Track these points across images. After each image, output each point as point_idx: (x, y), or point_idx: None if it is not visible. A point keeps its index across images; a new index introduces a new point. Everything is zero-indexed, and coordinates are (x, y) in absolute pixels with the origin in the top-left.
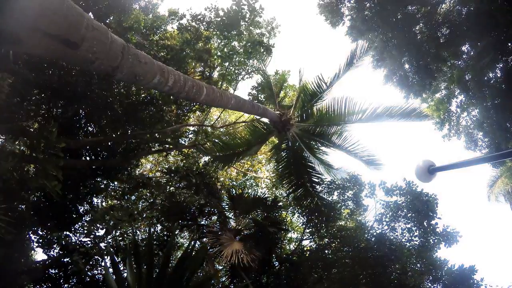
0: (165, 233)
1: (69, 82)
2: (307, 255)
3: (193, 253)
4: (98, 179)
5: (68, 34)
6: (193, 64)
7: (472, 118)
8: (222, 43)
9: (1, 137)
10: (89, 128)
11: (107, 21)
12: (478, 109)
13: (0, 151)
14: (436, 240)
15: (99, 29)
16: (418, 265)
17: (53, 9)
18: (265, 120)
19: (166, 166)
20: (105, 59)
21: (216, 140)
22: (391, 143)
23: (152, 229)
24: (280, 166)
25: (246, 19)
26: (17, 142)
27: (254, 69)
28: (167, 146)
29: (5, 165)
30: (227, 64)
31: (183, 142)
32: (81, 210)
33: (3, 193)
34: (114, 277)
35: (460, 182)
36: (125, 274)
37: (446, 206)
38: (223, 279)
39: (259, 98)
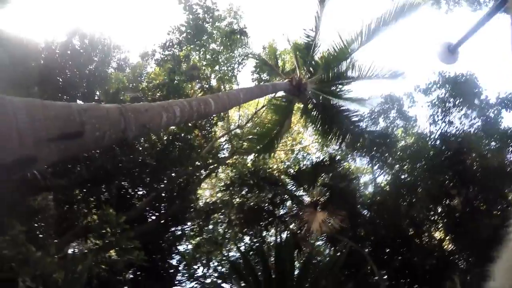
0: (255, 240)
1: (97, 167)
2: (387, 189)
3: (282, 244)
4: (172, 229)
5: (67, 128)
6: (189, 85)
7: None
8: (202, 53)
9: (73, 245)
10: (138, 192)
11: (96, 97)
12: None
13: (73, 256)
14: (495, 111)
15: (90, 107)
16: (492, 143)
17: (41, 118)
18: (281, 93)
19: (222, 184)
20: (111, 128)
21: (250, 136)
22: (404, 45)
23: (241, 244)
24: (318, 125)
25: (207, 20)
26: (88, 241)
27: (243, 57)
28: (211, 167)
29: (86, 263)
30: (217, 67)
31: (223, 155)
32: (174, 263)
33: (103, 286)
34: None
35: (485, 45)
36: None
37: (486, 76)
38: (327, 251)
39: (263, 78)
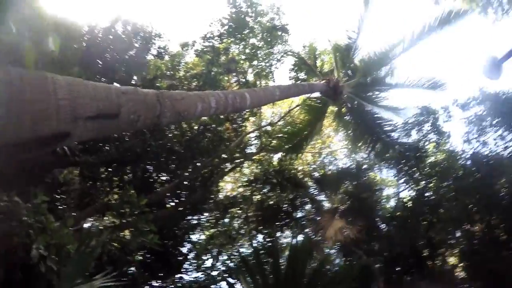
0: (268, 239)
1: (126, 148)
2: (409, 205)
3: (298, 247)
4: (189, 218)
5: (104, 109)
6: (226, 78)
7: None
8: (241, 47)
9: (90, 219)
10: (161, 177)
11: (132, 82)
12: None
13: (89, 230)
14: None
15: (128, 91)
16: None
17: (81, 96)
18: (316, 94)
19: (245, 179)
20: (147, 113)
21: (280, 135)
22: (446, 55)
23: (254, 241)
24: (349, 131)
25: (250, 14)
26: (105, 218)
27: (282, 54)
28: (237, 161)
29: (100, 239)
30: (255, 62)
31: (250, 151)
32: (184, 251)
33: (110, 263)
34: None
35: None
36: None
37: None
38: (337, 261)
39: (300, 77)
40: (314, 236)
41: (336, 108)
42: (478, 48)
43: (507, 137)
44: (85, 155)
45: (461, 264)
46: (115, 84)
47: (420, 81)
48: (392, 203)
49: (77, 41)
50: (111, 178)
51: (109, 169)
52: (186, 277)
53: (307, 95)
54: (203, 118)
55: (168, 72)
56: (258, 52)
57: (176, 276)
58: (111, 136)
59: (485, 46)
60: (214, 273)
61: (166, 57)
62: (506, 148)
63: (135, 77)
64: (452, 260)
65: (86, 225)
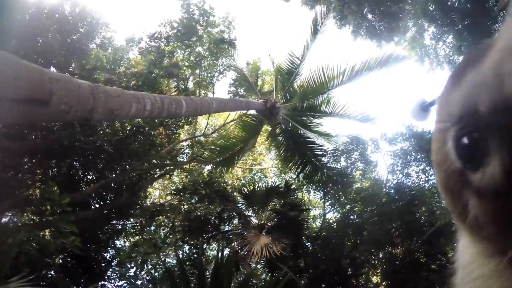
0: (194, 251)
1: (53, 139)
2: (334, 226)
3: (224, 260)
4: (113, 222)
5: (34, 93)
6: (166, 82)
7: (449, 45)
8: (187, 53)
9: (8, 214)
10: (88, 176)
11: (70, 69)
12: (452, 34)
13: (7, 227)
14: None
15: (63, 79)
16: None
17: (12, 75)
18: (252, 112)
19: (174, 187)
20: (78, 105)
21: (212, 147)
22: (381, 93)
23: (180, 252)
24: (281, 151)
25: (201, 23)
26: (24, 214)
27: (225, 67)
28: (167, 168)
29: (17, 238)
30: (198, 71)
31: (182, 159)
32: (107, 257)
33: (28, 265)
34: None
35: None
36: None
37: None
38: (263, 276)
39: (239, 92)
40: (240, 251)
41: (271, 128)
42: (411, 90)
43: (429, 172)
44: (8, 140)
45: (384, 283)
46: (51, 68)
47: (353, 113)
48: (318, 223)
49: (21, 11)
50: (34, 170)
51: (33, 160)
52: (109, 285)
53: (244, 112)
54: (137, 119)
55: (109, 66)
56: (202, 61)
57: (98, 283)
58: (38, 124)
59: (418, 90)
60: (138, 282)
61: (109, 50)
62: (427, 181)
63: (73, 64)
64: (374, 279)
65: (3, 220)
